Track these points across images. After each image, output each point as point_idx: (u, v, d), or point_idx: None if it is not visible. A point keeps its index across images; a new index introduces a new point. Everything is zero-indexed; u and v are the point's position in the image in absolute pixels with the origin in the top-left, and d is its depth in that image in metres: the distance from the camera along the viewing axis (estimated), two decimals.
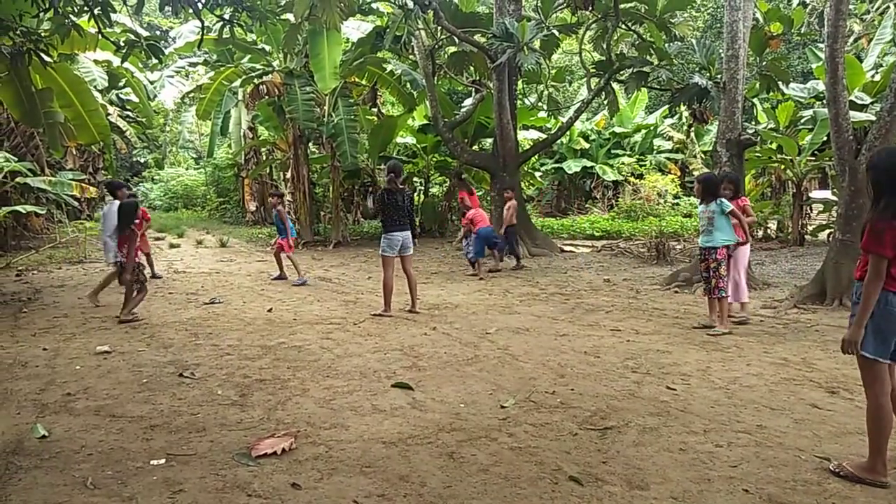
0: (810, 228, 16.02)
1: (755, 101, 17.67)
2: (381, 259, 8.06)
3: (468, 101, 18.22)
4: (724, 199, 7.06)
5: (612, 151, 25.74)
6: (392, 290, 8.05)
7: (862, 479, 3.39)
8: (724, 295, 7.02)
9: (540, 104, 19.82)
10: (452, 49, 16.41)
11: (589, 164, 24.96)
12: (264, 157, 22.12)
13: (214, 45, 15.86)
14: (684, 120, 22.14)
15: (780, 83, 13.19)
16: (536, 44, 13.62)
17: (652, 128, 25.80)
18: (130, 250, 7.72)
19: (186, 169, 33.50)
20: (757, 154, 15.08)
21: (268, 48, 16.81)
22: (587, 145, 25.67)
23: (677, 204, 22.92)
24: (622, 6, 13.48)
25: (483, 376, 5.35)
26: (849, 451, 3.79)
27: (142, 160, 35.12)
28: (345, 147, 15.21)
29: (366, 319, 7.72)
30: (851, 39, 18.05)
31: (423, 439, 4.01)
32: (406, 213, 8.03)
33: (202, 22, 7.99)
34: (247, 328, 7.27)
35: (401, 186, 8.05)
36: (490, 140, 17.59)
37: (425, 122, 18.65)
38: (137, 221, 9.56)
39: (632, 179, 23.77)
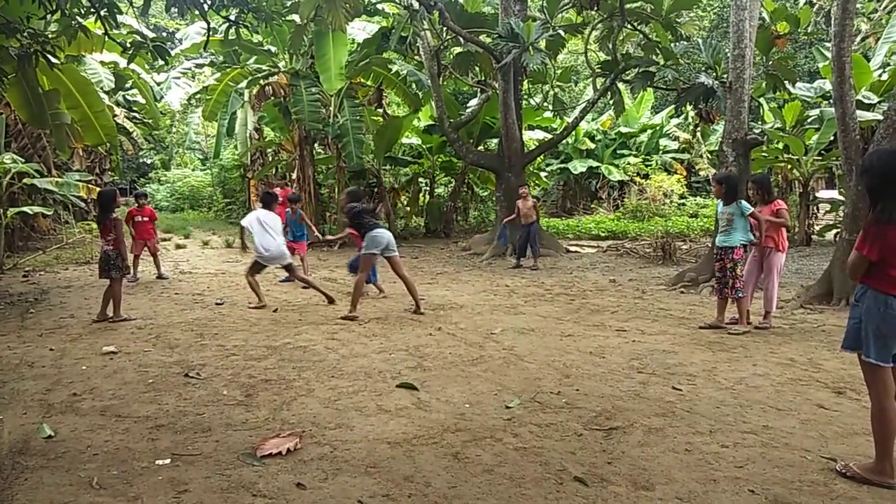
0: (817, 228, 15.96)
1: (762, 100, 17.62)
2: (363, 259, 8.03)
3: (473, 102, 18.25)
4: (743, 202, 7.05)
5: (618, 151, 25.71)
6: (362, 292, 8.13)
7: (869, 480, 3.37)
8: (741, 295, 7.01)
9: (545, 104, 19.83)
10: (458, 49, 16.43)
11: (594, 164, 24.94)
12: (270, 158, 22.17)
13: (220, 46, 15.88)
14: (690, 120, 22.09)
15: (786, 82, 13.16)
16: (542, 44, 13.60)
17: (658, 128, 25.74)
18: (119, 237, 7.77)
19: (193, 170, 33.60)
20: (763, 154, 15.03)
21: (273, 49, 16.85)
22: (593, 145, 25.64)
23: (683, 204, 22.87)
24: (628, 6, 13.46)
25: (488, 377, 5.34)
26: (855, 451, 3.77)
27: (148, 161, 35.24)
28: (350, 148, 15.23)
29: (371, 320, 7.72)
30: (858, 38, 17.93)
31: (427, 440, 4.00)
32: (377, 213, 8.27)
33: (208, 23, 7.99)
34: (252, 329, 7.28)
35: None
36: (495, 140, 17.59)
37: (431, 122, 18.67)
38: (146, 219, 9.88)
39: (637, 179, 23.73)
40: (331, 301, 8.68)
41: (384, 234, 7.95)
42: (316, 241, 11.66)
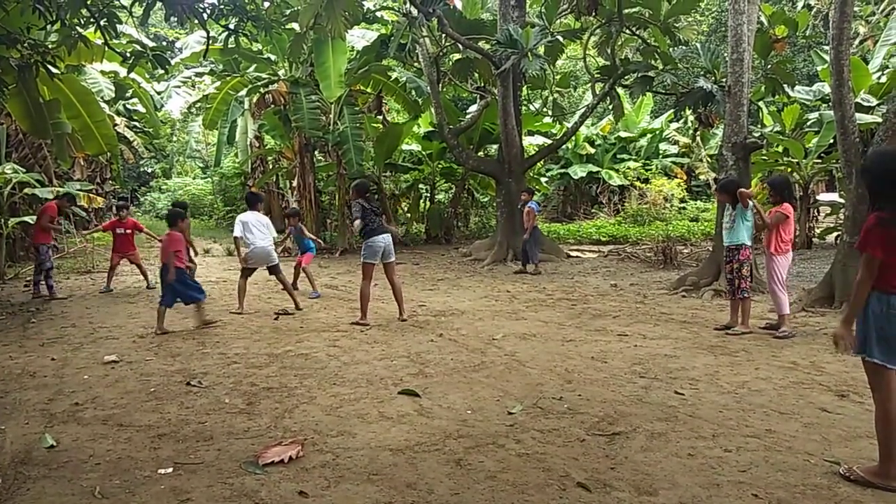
0: (818, 231, 15.95)
1: (761, 104, 17.62)
2: (363, 267, 7.86)
3: (473, 108, 18.26)
4: (738, 205, 7.09)
5: (618, 156, 25.75)
6: (369, 299, 7.94)
7: (873, 483, 3.36)
8: (745, 296, 7.05)
9: (545, 110, 19.85)
10: (457, 56, 16.45)
11: (595, 169, 24.97)
12: (271, 166, 22.22)
13: (220, 54, 15.97)
14: (690, 124, 22.15)
15: (785, 86, 13.18)
16: (541, 49, 13.64)
17: (657, 132, 25.79)
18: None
19: (194, 178, 33.65)
20: (763, 157, 15.04)
21: (273, 57, 16.91)
22: (593, 150, 25.68)
23: (684, 208, 22.88)
24: (626, 11, 13.49)
25: (490, 383, 5.34)
26: (859, 454, 3.76)
27: (149, 170, 35.30)
28: (350, 155, 15.26)
29: (372, 327, 7.72)
30: (857, 41, 17.99)
31: (430, 446, 4.00)
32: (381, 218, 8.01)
33: (207, 32, 8.01)
34: (254, 336, 7.27)
35: (372, 200, 8.11)
36: (495, 146, 17.62)
37: (430, 129, 18.70)
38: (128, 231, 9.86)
39: (638, 184, 23.74)
40: (298, 308, 8.85)
41: (381, 242, 7.77)
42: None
